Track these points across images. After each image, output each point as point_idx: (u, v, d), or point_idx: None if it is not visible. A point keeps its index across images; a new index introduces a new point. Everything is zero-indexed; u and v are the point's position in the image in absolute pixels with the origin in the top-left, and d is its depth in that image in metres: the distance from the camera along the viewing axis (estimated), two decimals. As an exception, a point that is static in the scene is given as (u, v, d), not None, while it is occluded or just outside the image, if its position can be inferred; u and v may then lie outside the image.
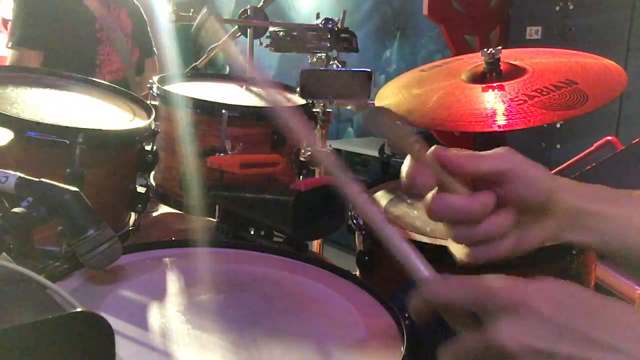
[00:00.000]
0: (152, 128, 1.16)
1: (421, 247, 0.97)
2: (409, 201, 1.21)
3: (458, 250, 0.63)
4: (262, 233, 1.20)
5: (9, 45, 2.12)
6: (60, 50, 2.10)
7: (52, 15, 2.11)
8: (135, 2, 2.39)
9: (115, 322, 0.68)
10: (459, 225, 0.61)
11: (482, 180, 0.60)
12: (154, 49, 2.45)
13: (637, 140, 1.90)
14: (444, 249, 0.66)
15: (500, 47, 1.38)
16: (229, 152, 1.19)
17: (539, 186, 0.60)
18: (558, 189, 0.61)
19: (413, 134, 0.61)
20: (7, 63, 2.17)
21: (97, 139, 1.02)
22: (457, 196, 0.59)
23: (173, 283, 0.86)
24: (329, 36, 1.62)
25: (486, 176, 0.59)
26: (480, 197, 0.59)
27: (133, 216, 1.20)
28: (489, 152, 0.61)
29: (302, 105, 1.39)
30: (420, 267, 0.55)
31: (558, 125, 3.04)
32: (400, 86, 1.51)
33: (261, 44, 1.76)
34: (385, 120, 0.62)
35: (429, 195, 0.60)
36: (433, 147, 0.60)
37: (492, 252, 0.61)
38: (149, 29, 2.42)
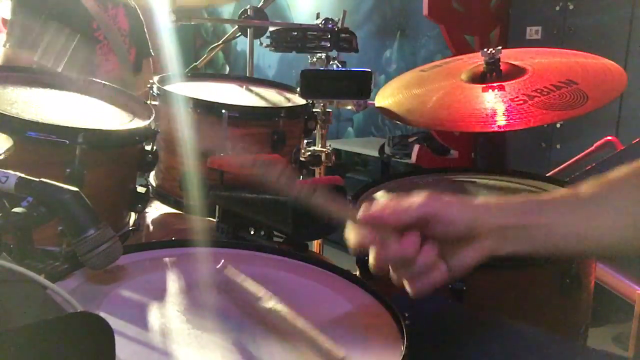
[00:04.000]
0: (152, 128, 1.16)
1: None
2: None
3: (407, 287, 0.71)
4: (262, 233, 1.20)
5: (6, 46, 2.12)
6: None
7: (50, 14, 2.10)
8: (132, 2, 2.39)
9: (115, 322, 0.68)
10: (398, 267, 0.71)
11: (408, 226, 0.69)
12: (151, 50, 2.45)
13: (637, 140, 1.90)
14: None
15: (500, 47, 1.38)
16: (229, 152, 1.19)
17: (458, 221, 0.69)
18: (480, 215, 0.70)
19: (346, 202, 0.75)
20: (0, 62, 2.17)
21: (97, 139, 1.02)
22: (388, 246, 0.69)
23: (173, 283, 0.86)
24: (329, 36, 1.62)
25: (409, 224, 0.69)
26: (406, 240, 0.68)
27: (133, 216, 1.20)
28: (410, 201, 0.70)
29: (302, 105, 1.39)
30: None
31: (558, 125, 3.04)
32: (400, 86, 1.51)
33: (261, 44, 1.76)
34: (322, 195, 0.74)
35: (370, 254, 0.71)
36: (361, 209, 0.71)
37: (429, 282, 0.69)
38: (145, 29, 2.42)
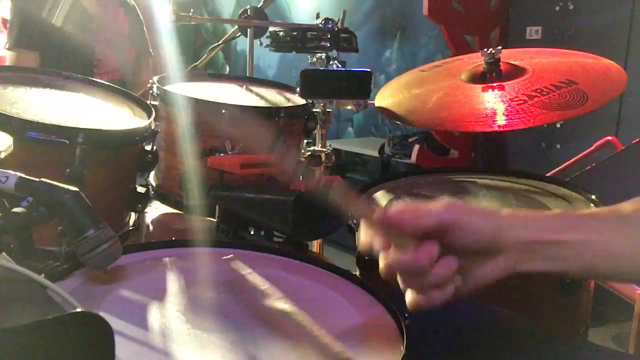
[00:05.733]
0: (152, 128, 1.16)
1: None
2: (408, 201, 1.21)
3: (412, 298, 0.66)
4: (262, 233, 1.20)
5: (7, 47, 2.12)
6: (58, 50, 2.10)
7: (49, 15, 2.10)
8: (132, 2, 2.39)
9: (115, 322, 0.68)
10: (410, 276, 0.65)
11: (427, 232, 0.64)
12: (150, 49, 2.45)
13: (637, 140, 1.90)
14: None
15: (500, 47, 1.38)
16: (229, 152, 1.19)
17: (481, 232, 0.63)
18: (506, 227, 0.64)
19: (364, 200, 0.67)
20: (6, 64, 2.18)
21: (97, 139, 1.02)
22: (403, 252, 0.63)
23: (173, 283, 0.86)
24: (329, 36, 1.62)
25: (429, 230, 0.64)
26: (423, 250, 0.63)
27: (133, 216, 1.20)
28: (431, 206, 0.65)
29: (302, 105, 1.39)
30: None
31: (558, 125, 3.04)
32: (400, 86, 1.51)
33: (261, 44, 1.76)
34: (340, 192, 0.70)
35: (380, 258, 0.66)
36: (378, 211, 0.66)
37: (442, 295, 0.64)
38: (145, 29, 2.42)
